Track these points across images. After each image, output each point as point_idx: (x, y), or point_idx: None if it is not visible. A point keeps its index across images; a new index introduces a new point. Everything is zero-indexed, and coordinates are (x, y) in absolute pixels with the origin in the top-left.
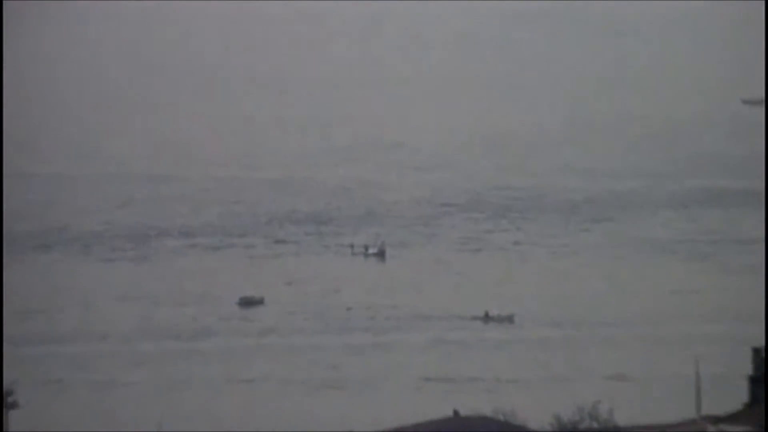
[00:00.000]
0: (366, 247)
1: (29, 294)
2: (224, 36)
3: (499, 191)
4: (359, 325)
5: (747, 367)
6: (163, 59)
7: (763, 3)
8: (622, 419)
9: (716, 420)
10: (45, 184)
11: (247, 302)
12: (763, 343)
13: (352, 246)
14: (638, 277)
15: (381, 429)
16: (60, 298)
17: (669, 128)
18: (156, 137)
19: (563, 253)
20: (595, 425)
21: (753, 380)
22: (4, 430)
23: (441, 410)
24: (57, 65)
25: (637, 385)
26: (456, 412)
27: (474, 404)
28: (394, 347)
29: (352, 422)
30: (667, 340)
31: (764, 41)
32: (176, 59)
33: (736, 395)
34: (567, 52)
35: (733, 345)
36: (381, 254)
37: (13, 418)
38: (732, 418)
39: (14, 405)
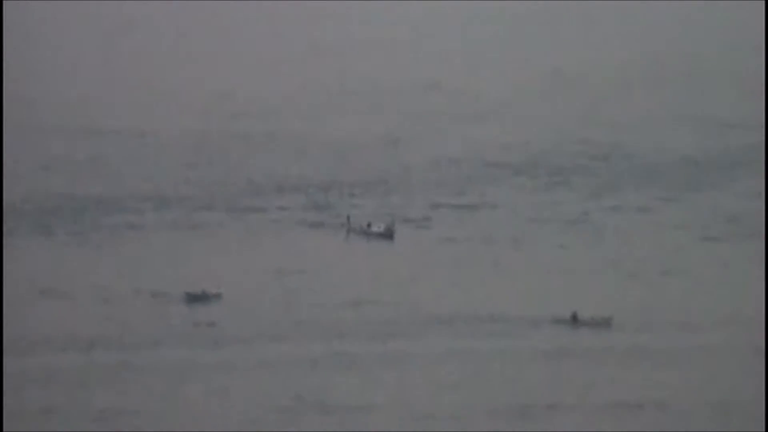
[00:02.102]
0: (368, 225)
1: None
2: None
3: (565, 147)
4: (352, 329)
5: None
6: None
7: (763, 3)
8: None
9: None
10: None
11: (197, 299)
12: None
13: (348, 220)
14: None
15: None
16: None
17: None
18: (114, 78)
19: (651, 234)
20: None
21: None
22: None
23: None
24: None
25: None
26: None
27: None
28: (405, 360)
29: None
30: None
31: (764, 41)
32: None
33: None
34: None
35: None
36: (388, 234)
37: None
38: None
39: None
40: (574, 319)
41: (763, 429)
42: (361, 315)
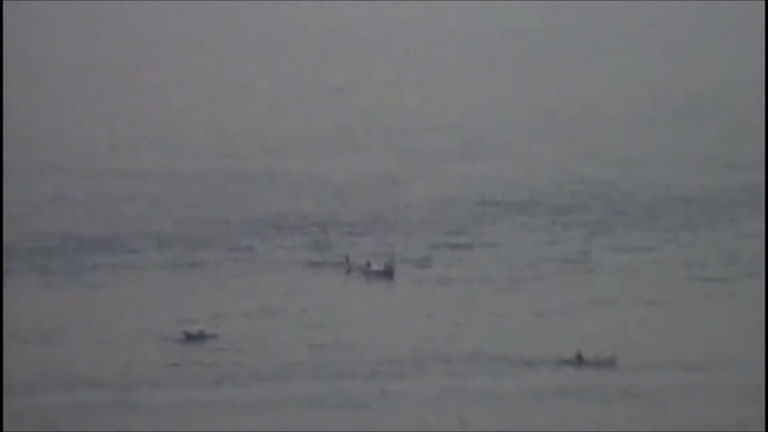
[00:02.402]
0: (368, 264)
1: None
2: None
3: (564, 186)
4: (349, 370)
5: None
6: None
7: (763, 3)
8: None
9: None
10: None
11: (194, 338)
12: None
13: (347, 260)
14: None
15: None
16: None
17: None
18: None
19: (652, 274)
20: None
21: None
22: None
23: None
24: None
25: None
26: None
27: None
28: (402, 400)
29: None
30: None
31: (764, 41)
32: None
33: None
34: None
35: None
36: (388, 273)
37: None
38: None
39: None
40: (579, 360)
41: (764, 429)
42: (360, 354)
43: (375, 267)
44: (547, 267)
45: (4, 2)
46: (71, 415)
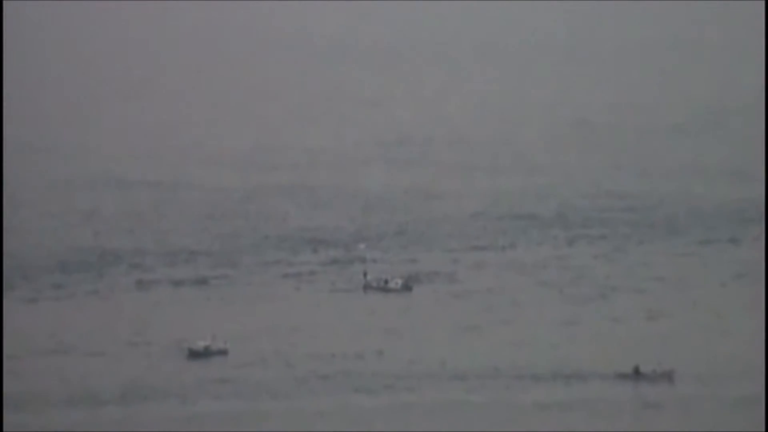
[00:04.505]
0: (385, 281)
1: None
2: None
3: (595, 200)
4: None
5: None
6: (157, 43)
7: (763, 3)
8: None
9: None
10: None
11: (200, 354)
12: None
13: (365, 276)
14: None
15: None
16: None
17: None
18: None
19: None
20: None
21: None
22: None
23: None
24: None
25: None
26: None
27: None
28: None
29: None
30: None
31: (764, 41)
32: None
33: None
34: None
35: None
36: (407, 289)
37: None
38: None
39: None
40: (637, 373)
41: (763, 429)
42: (377, 369)
43: (392, 285)
44: (569, 280)
45: (4, 2)
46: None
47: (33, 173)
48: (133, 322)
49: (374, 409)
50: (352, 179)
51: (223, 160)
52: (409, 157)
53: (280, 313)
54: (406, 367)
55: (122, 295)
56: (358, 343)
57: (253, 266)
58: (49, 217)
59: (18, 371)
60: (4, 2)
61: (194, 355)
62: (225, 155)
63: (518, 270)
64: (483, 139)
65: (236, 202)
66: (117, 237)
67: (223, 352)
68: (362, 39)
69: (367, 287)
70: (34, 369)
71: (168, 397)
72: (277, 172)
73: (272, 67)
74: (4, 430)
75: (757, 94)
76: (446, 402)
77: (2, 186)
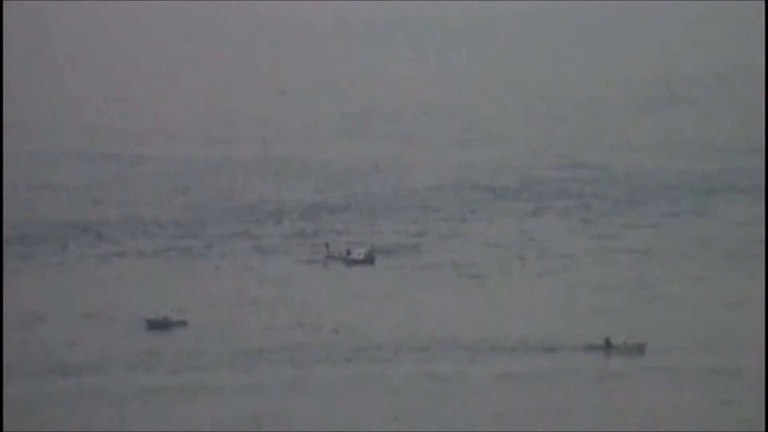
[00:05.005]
0: (348, 251)
1: None
2: None
3: (559, 172)
4: (323, 357)
5: None
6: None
7: (763, 3)
8: None
9: None
10: None
11: (159, 325)
12: None
13: (327, 247)
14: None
15: None
16: None
17: None
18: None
19: (644, 261)
20: None
21: None
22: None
23: None
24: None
25: None
26: None
27: None
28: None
29: None
30: None
31: (764, 41)
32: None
33: None
34: None
35: None
36: (369, 260)
37: None
38: None
39: None
40: (608, 345)
41: (763, 429)
42: (335, 341)
43: (355, 256)
44: (534, 253)
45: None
46: (33, 401)
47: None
48: (96, 294)
49: (335, 381)
50: (317, 152)
51: (188, 133)
52: (374, 131)
53: (243, 284)
54: (366, 339)
55: (86, 266)
56: (319, 315)
57: (216, 238)
58: (13, 189)
59: None
60: (3, 2)
61: (153, 326)
62: (190, 128)
63: (482, 242)
64: (450, 112)
65: (201, 173)
66: (81, 209)
67: (182, 324)
68: (331, 14)
69: (329, 258)
70: None
71: (124, 367)
72: (241, 145)
73: (239, 42)
74: None
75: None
76: (408, 374)
77: None
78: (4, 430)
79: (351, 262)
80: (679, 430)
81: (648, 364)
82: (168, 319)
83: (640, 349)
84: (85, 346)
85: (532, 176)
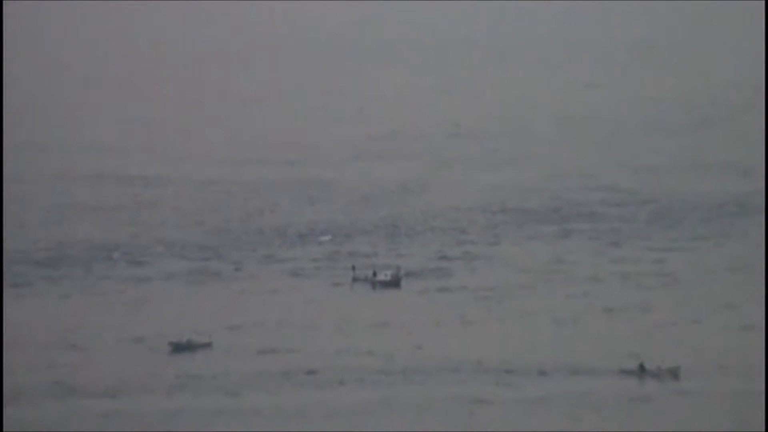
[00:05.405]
0: (374, 273)
1: None
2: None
3: (588, 194)
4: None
5: None
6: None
7: (763, 3)
8: None
9: None
10: None
11: (183, 348)
12: None
13: (353, 269)
14: None
15: None
16: None
17: None
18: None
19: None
20: None
21: None
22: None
23: None
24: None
25: None
26: None
27: None
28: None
29: None
30: None
31: (764, 41)
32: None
33: None
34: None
35: None
36: (396, 283)
37: None
38: None
39: None
40: (642, 370)
41: (763, 429)
42: (360, 363)
43: (381, 277)
44: (560, 276)
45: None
46: (58, 422)
47: (28, 169)
48: (122, 316)
49: (361, 403)
50: (344, 174)
51: (217, 155)
52: (401, 152)
53: (268, 307)
54: (392, 361)
55: (112, 288)
56: (345, 338)
57: (244, 260)
58: (42, 211)
59: (5, 364)
60: (3, 2)
61: (177, 348)
62: (219, 151)
63: (510, 264)
64: (479, 134)
65: (229, 196)
66: (109, 231)
67: (207, 346)
68: (358, 36)
69: (355, 280)
70: (22, 362)
71: (151, 391)
72: (270, 168)
73: (265, 64)
74: None
75: (756, 93)
76: (434, 397)
77: (1, 182)
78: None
79: (377, 284)
80: None
81: (683, 388)
82: (192, 341)
83: (674, 374)
84: (110, 370)
85: (561, 198)
